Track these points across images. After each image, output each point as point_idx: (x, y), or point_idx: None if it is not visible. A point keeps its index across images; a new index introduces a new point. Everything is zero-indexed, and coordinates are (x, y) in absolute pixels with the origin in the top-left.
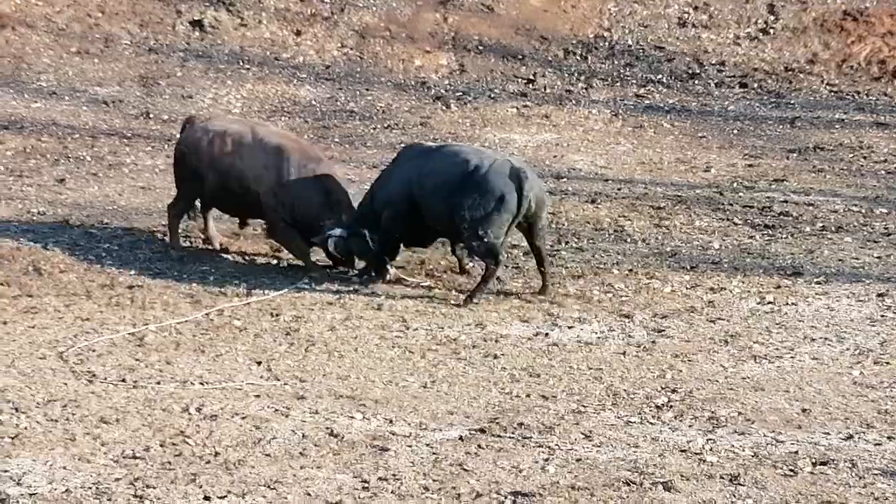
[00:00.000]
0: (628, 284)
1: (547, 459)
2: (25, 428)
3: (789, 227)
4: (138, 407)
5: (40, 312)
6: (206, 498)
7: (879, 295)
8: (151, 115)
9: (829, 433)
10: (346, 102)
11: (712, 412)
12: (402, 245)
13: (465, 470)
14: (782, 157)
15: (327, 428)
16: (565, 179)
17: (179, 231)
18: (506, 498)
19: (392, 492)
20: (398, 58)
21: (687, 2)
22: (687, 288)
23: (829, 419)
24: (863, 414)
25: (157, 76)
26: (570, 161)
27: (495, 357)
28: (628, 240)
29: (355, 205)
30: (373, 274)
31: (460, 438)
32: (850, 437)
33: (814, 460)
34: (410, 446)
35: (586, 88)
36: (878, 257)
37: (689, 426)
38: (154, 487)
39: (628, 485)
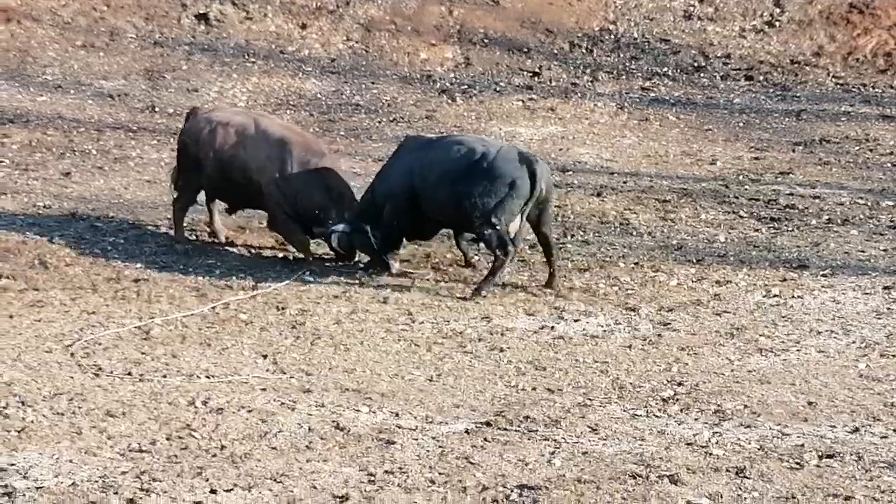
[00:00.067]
0: (634, 277)
1: (553, 452)
2: (32, 421)
3: (795, 220)
4: (144, 400)
5: (46, 306)
6: (213, 491)
7: (885, 288)
8: (157, 109)
9: (835, 426)
10: (351, 96)
11: (718, 405)
12: (404, 239)
13: (472, 463)
14: (788, 149)
15: (333, 421)
16: (571, 172)
17: (184, 225)
18: (512, 491)
19: (398, 485)
20: (403, 51)
21: None
22: (693, 281)
23: (835, 412)
24: (869, 407)
25: (162, 70)
26: (576, 154)
27: (501, 350)
28: (634, 233)
29: (358, 199)
30: (382, 264)
31: (466, 431)
32: (857, 430)
33: (820, 453)
34: (416, 439)
35: (592, 81)
36: (885, 250)
37: (696, 419)
38: (160, 481)
39: (634, 478)
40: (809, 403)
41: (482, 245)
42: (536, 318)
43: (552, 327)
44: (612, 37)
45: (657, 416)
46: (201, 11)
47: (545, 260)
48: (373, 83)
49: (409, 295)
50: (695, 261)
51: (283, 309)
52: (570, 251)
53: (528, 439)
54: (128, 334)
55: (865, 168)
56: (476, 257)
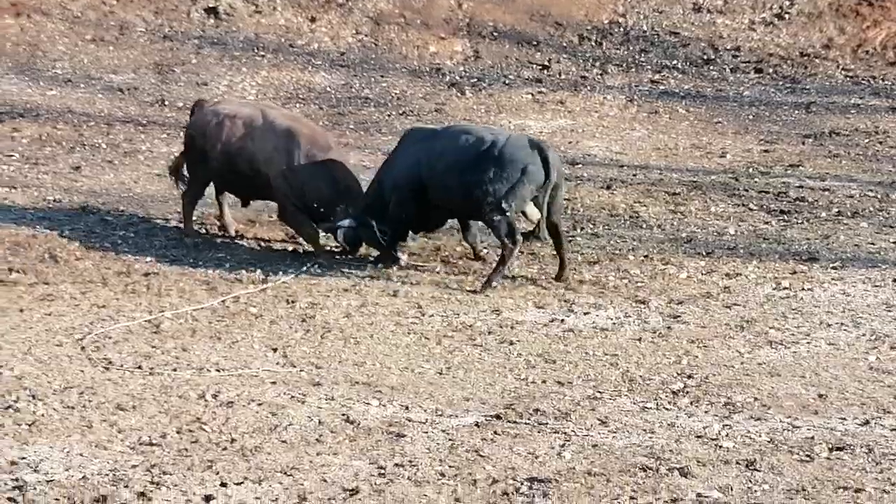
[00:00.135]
0: (644, 270)
1: (563, 445)
2: (42, 415)
3: (805, 213)
4: (155, 394)
5: (56, 300)
6: (223, 484)
7: (895, 280)
8: (167, 103)
9: (845, 419)
10: (360, 89)
11: (728, 398)
12: (410, 231)
13: (482, 456)
14: (798, 142)
15: (343, 414)
16: (580, 165)
17: (194, 218)
18: (522, 484)
19: (408, 478)
20: (413, 44)
21: None
22: (703, 274)
23: (845, 405)
24: (879, 399)
25: (172, 63)
26: (586, 147)
27: (511, 343)
28: (644, 226)
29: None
30: (392, 258)
31: (476, 425)
32: (867, 422)
33: (830, 446)
34: (426, 432)
35: (601, 74)
36: (894, 242)
37: (706, 412)
38: (171, 474)
39: (644, 470)
40: (820, 396)
41: (490, 237)
42: (546, 310)
43: (562, 320)
44: (622, 29)
45: (667, 409)
46: (210, 5)
47: (555, 251)
48: (382, 76)
49: (418, 288)
50: (704, 253)
51: (293, 302)
52: (580, 244)
53: (538, 432)
54: (138, 328)
55: (875, 160)
56: (485, 250)
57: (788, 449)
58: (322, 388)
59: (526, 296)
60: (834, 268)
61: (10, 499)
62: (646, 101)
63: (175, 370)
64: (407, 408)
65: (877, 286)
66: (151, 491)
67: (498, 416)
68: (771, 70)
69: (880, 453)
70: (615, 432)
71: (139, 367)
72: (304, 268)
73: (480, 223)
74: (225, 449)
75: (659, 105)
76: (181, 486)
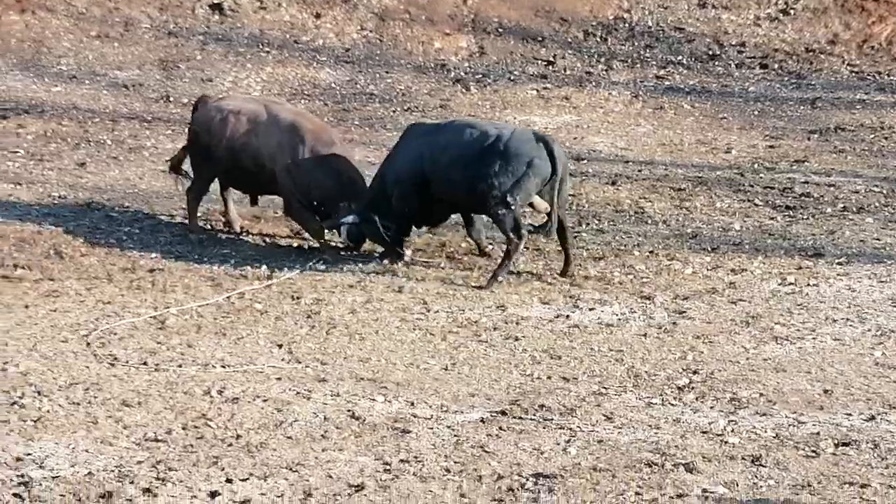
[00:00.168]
0: (649, 266)
1: (568, 441)
2: (48, 411)
3: (810, 209)
4: (160, 390)
5: (62, 296)
6: (229, 480)
7: None
8: (171, 99)
9: (851, 414)
10: (365, 85)
11: (734, 393)
12: (414, 225)
13: (487, 452)
14: (803, 138)
15: (349, 410)
16: (585, 161)
17: (199, 215)
18: (527, 479)
19: (413, 474)
20: (418, 40)
21: None
22: (708, 269)
23: (851, 400)
24: (885, 395)
25: (176, 60)
26: (591, 143)
27: (516, 339)
28: (649, 221)
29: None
30: (391, 256)
31: (481, 420)
32: (873, 417)
33: (836, 441)
34: (432, 428)
35: (606, 70)
36: None
37: (711, 407)
38: (176, 470)
39: (650, 466)
40: (825, 391)
41: (495, 232)
42: (551, 306)
43: (567, 316)
44: (627, 25)
45: (672, 405)
46: (215, 1)
47: (560, 247)
48: (387, 72)
49: (424, 284)
50: (710, 249)
51: (298, 298)
52: (585, 240)
53: (544, 428)
54: (143, 324)
55: (881, 156)
56: (490, 246)
57: (794, 444)
58: (327, 384)
59: (531, 291)
60: (839, 263)
61: (15, 495)
62: (651, 96)
63: (180, 366)
64: (412, 404)
65: (882, 281)
66: (157, 487)
67: (503, 412)
68: (776, 66)
69: (886, 448)
70: (620, 428)
71: (144, 364)
72: (310, 264)
73: (484, 218)
74: (230, 445)
75: (664, 101)
76: (187, 483)
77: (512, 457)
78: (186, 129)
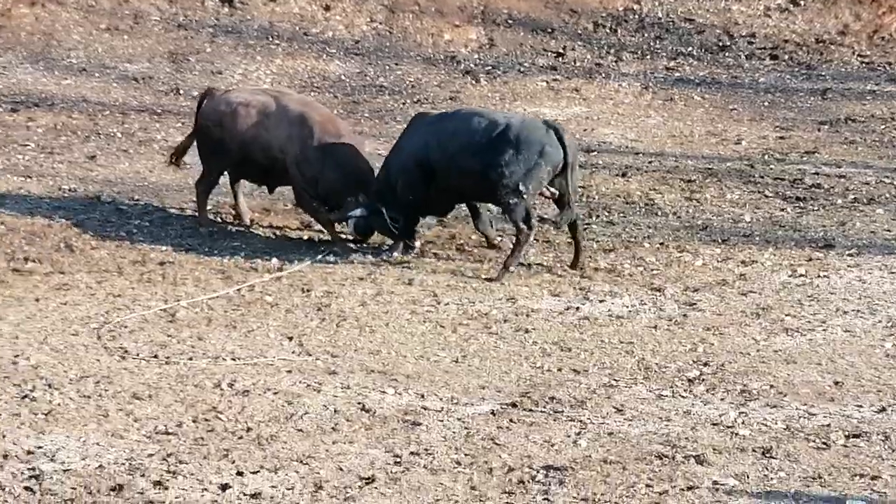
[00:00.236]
0: (659, 258)
1: (579, 433)
2: (59, 404)
3: (821, 200)
4: (170, 383)
5: (72, 289)
6: (239, 473)
7: None
8: (181, 91)
9: (861, 406)
10: (375, 77)
11: (744, 385)
12: (420, 215)
13: (497, 444)
14: (813, 129)
15: (359, 403)
16: (596, 153)
17: (209, 207)
18: (538, 472)
19: (424, 466)
20: (427, 32)
21: None
22: (718, 261)
23: (861, 392)
24: (895, 386)
25: (186, 52)
26: (601, 134)
27: (526, 331)
28: (659, 213)
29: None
30: (400, 248)
31: (492, 413)
32: (883, 409)
33: (846, 433)
34: (442, 421)
35: (616, 61)
36: None
37: (722, 399)
38: (187, 463)
39: (660, 458)
40: (836, 383)
41: (504, 223)
42: (561, 298)
43: (577, 308)
44: (637, 16)
45: (683, 397)
46: None
47: (570, 239)
48: (397, 64)
49: (434, 276)
50: (720, 241)
51: (308, 291)
52: (595, 232)
53: (554, 420)
54: (154, 317)
55: (891, 147)
56: (499, 238)
57: (805, 436)
58: (338, 376)
59: (541, 284)
60: (850, 255)
61: (26, 488)
62: (661, 88)
63: (191, 359)
64: (422, 396)
65: (893, 273)
66: (167, 480)
67: (513, 405)
68: (786, 56)
69: None
70: (631, 420)
71: (155, 357)
72: (320, 256)
73: (490, 211)
74: (241, 438)
75: (674, 92)
76: (197, 475)
77: (522, 449)
78: (195, 123)
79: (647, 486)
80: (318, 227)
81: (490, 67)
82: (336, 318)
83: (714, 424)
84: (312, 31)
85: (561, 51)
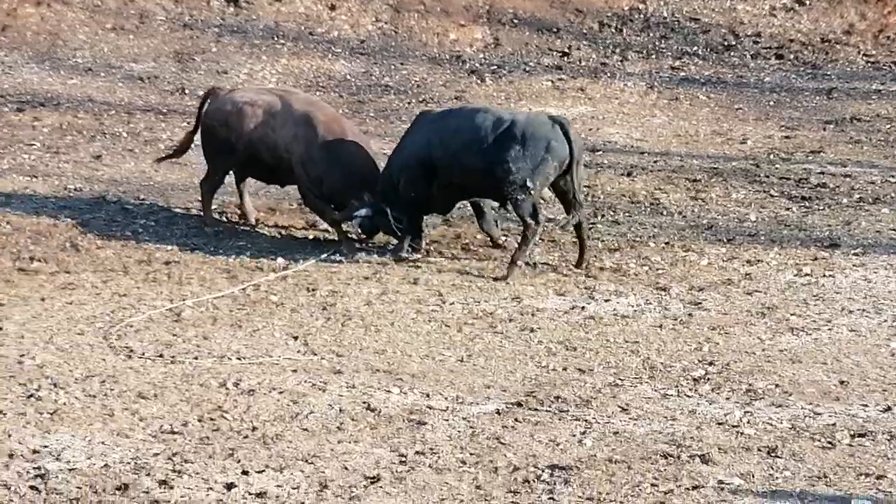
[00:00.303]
0: (665, 257)
1: (584, 433)
2: (64, 403)
3: (826, 199)
4: (176, 382)
5: (78, 288)
6: (244, 472)
7: None
8: (187, 91)
9: (867, 405)
10: (380, 77)
11: (750, 385)
12: (423, 214)
13: (502, 443)
14: (819, 128)
15: (364, 402)
16: (601, 152)
17: (214, 207)
18: (543, 471)
19: (429, 465)
20: (433, 32)
21: None
22: (724, 260)
23: (867, 391)
24: None
25: (192, 52)
26: (606, 134)
27: (532, 331)
28: (664, 212)
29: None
30: (406, 247)
31: (497, 412)
32: (889, 408)
33: (852, 432)
34: (447, 420)
35: (621, 61)
36: None
37: (727, 399)
38: (192, 462)
39: (665, 458)
40: (841, 382)
41: (505, 224)
42: (567, 298)
43: (582, 307)
44: (642, 16)
45: (688, 396)
46: None
47: (575, 238)
48: (402, 64)
49: (439, 276)
50: (725, 240)
51: (313, 290)
52: (601, 231)
53: (559, 419)
54: (159, 316)
55: None
56: (503, 238)
57: (810, 436)
58: (343, 375)
59: (546, 283)
60: (855, 254)
61: (32, 487)
62: (666, 87)
63: (196, 358)
64: (428, 395)
65: None
66: (173, 479)
67: (519, 404)
68: (792, 56)
69: None
70: (636, 419)
71: (160, 356)
72: (325, 255)
73: (494, 210)
74: (246, 437)
75: (679, 92)
76: (203, 474)
77: (528, 448)
78: (200, 122)
79: (653, 485)
80: (324, 226)
81: (495, 67)
82: (341, 318)
83: (719, 424)
84: (318, 30)
85: (566, 50)
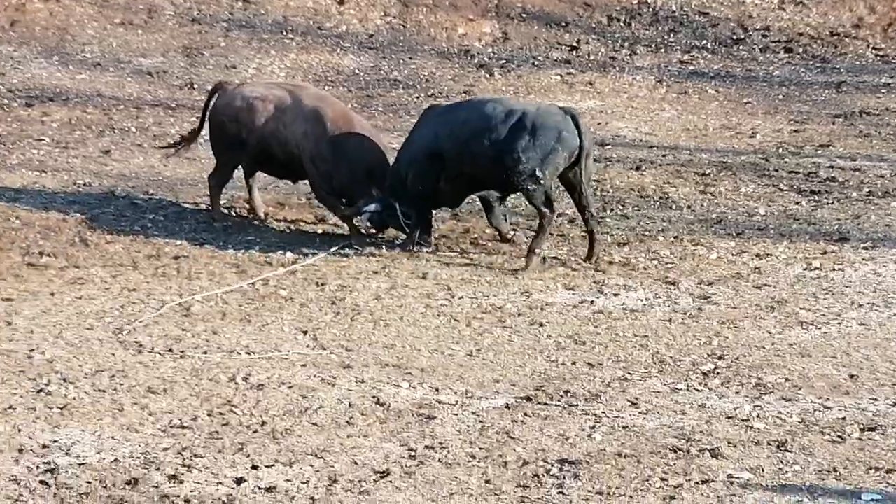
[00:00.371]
0: (674, 251)
1: (593, 427)
2: (74, 398)
3: (835, 193)
4: (185, 377)
5: (87, 283)
6: (254, 467)
7: None
8: (195, 86)
9: (877, 399)
10: (389, 71)
11: (759, 378)
12: (431, 209)
13: (512, 438)
14: (828, 122)
15: (374, 397)
16: (610, 146)
17: (223, 202)
18: (552, 465)
19: (439, 460)
20: (441, 26)
21: None
22: (733, 254)
23: (876, 385)
24: None
25: (200, 46)
26: (615, 128)
27: (541, 325)
28: (673, 206)
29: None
30: (416, 241)
31: (506, 406)
32: None
33: (862, 426)
34: (457, 414)
35: (630, 55)
36: None
37: (736, 393)
38: (202, 457)
39: (675, 452)
40: (851, 376)
41: (514, 219)
42: (576, 292)
43: (592, 301)
44: (651, 10)
45: (698, 390)
46: None
47: (584, 231)
48: (411, 58)
49: (448, 270)
50: (735, 234)
51: (322, 285)
52: (610, 225)
53: (569, 414)
54: (168, 311)
55: None
56: (512, 232)
57: (820, 430)
58: (352, 370)
59: (555, 277)
60: (865, 248)
61: (42, 482)
62: (675, 81)
63: (205, 353)
64: (437, 390)
65: None
66: (182, 474)
67: (528, 398)
68: (801, 50)
69: None
70: (646, 414)
71: (170, 351)
72: (334, 250)
73: (503, 207)
74: (256, 432)
75: (688, 85)
76: (212, 469)
77: (537, 443)
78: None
79: (662, 479)
80: (333, 220)
81: (504, 61)
82: (350, 312)
83: (729, 418)
84: (326, 25)
85: (575, 44)
